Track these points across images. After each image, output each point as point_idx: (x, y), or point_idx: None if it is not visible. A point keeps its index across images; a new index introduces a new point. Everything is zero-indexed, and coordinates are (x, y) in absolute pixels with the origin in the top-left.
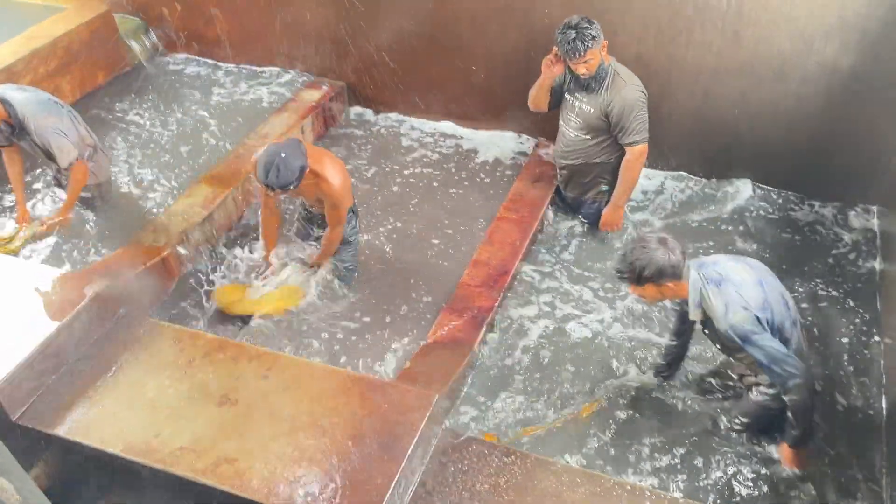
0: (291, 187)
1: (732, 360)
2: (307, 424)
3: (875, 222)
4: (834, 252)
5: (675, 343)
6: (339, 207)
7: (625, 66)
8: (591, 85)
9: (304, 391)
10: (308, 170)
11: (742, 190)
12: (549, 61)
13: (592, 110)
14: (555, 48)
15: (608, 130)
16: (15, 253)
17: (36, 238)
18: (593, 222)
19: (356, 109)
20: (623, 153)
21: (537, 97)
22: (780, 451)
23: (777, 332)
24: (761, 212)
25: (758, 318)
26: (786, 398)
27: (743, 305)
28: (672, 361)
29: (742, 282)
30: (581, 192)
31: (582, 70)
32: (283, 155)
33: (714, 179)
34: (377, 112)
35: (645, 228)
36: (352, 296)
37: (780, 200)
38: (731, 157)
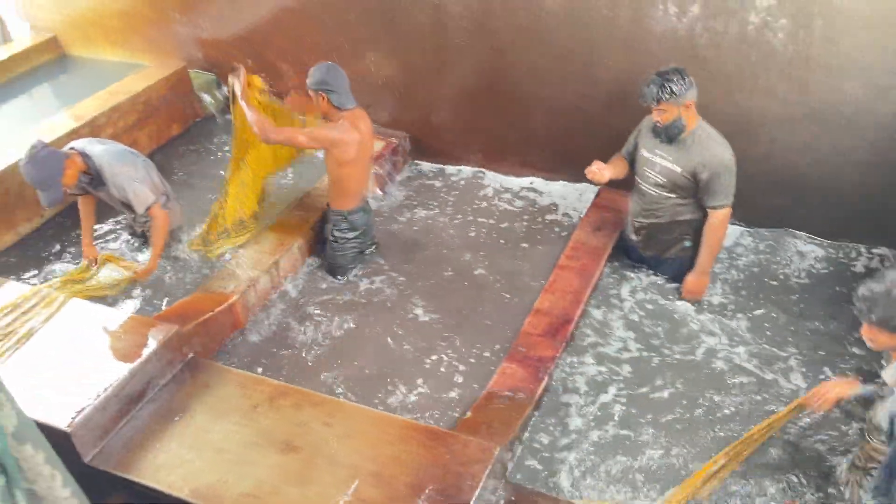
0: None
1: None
2: (368, 473)
3: None
4: None
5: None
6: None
7: (714, 129)
8: (669, 139)
9: (365, 439)
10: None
11: (811, 242)
12: (591, 172)
13: (680, 170)
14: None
15: (694, 192)
16: (101, 295)
17: (126, 282)
18: (674, 278)
19: (417, 161)
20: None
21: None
22: None
23: None
24: (833, 266)
25: None
26: None
27: None
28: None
29: None
30: (662, 250)
31: (656, 117)
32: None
33: (783, 231)
34: (437, 163)
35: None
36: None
37: (853, 254)
38: (802, 208)
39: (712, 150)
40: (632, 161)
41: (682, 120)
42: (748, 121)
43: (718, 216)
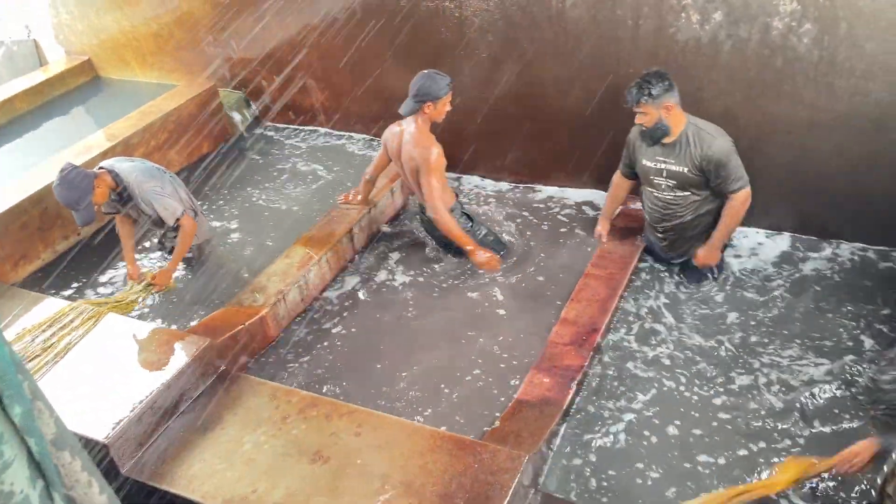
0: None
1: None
2: (398, 483)
3: None
4: None
5: None
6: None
7: (704, 120)
8: (655, 141)
9: (395, 449)
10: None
11: (844, 247)
12: (598, 234)
13: (685, 168)
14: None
15: (707, 184)
16: (129, 310)
17: (148, 294)
18: (708, 274)
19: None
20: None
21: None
22: None
23: None
24: (868, 270)
25: None
26: None
27: None
28: None
29: None
30: (689, 245)
31: (638, 119)
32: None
33: (814, 238)
34: (461, 173)
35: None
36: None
37: (887, 257)
38: (830, 214)
39: (708, 143)
40: (634, 174)
41: (664, 122)
42: (775, 128)
43: (739, 198)
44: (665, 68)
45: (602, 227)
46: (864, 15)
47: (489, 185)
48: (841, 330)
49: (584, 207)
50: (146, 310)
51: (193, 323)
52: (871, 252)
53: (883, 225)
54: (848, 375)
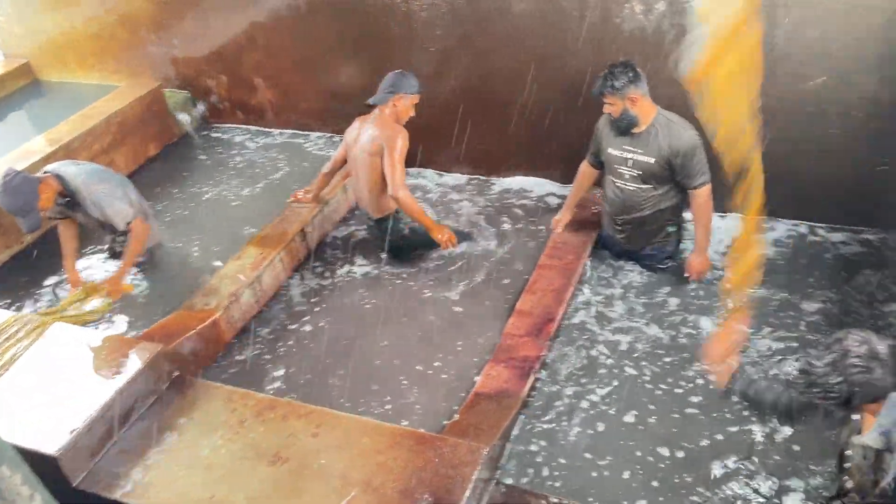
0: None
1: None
2: (358, 481)
3: None
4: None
5: None
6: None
7: (674, 113)
8: (622, 132)
9: (354, 447)
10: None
11: (795, 228)
12: (556, 222)
13: (653, 160)
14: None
15: (670, 178)
16: (90, 321)
17: (109, 308)
18: (660, 263)
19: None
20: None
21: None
22: None
23: None
24: (815, 248)
25: None
26: None
27: None
28: None
29: None
30: (647, 240)
31: (606, 109)
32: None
33: (765, 219)
34: (418, 167)
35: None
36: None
37: (834, 235)
38: (780, 196)
39: (678, 135)
40: (601, 163)
41: (629, 112)
42: None
43: (703, 194)
44: (610, 58)
45: (563, 217)
46: (802, 2)
47: (447, 178)
48: (782, 311)
49: (538, 198)
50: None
51: (145, 329)
52: (819, 229)
53: (828, 205)
54: (806, 343)
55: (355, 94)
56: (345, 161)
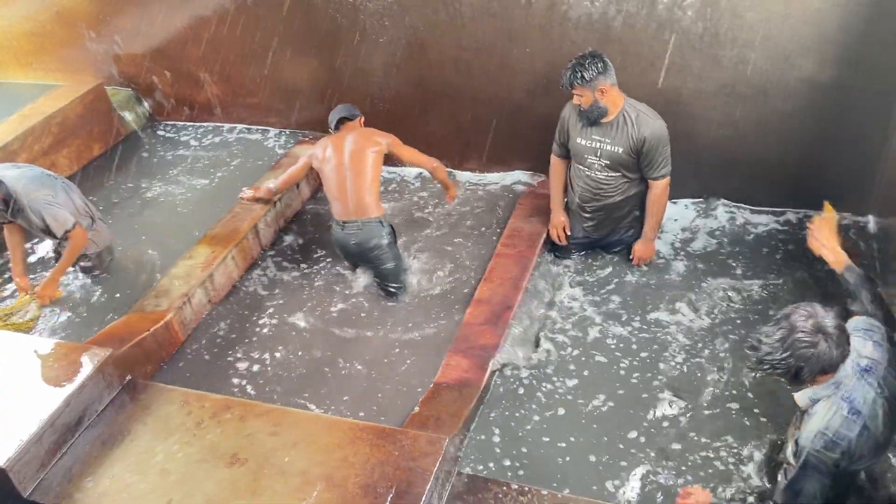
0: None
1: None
2: (319, 477)
3: (872, 230)
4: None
5: None
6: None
7: (642, 103)
8: (591, 122)
9: (313, 445)
10: None
11: (738, 210)
12: (561, 224)
13: (620, 149)
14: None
15: (638, 167)
16: (29, 329)
17: (40, 312)
18: (627, 247)
19: None
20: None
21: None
22: None
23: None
24: (759, 229)
25: (836, 464)
26: None
27: (840, 444)
28: None
29: (872, 416)
30: (614, 226)
31: (575, 101)
32: None
33: (709, 201)
34: None
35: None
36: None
37: (778, 216)
38: (724, 179)
39: (646, 124)
40: (568, 152)
41: (599, 103)
42: (667, 99)
43: (661, 186)
44: (558, 47)
45: (561, 216)
46: None
47: (405, 171)
48: (720, 291)
49: (496, 188)
50: (46, 325)
51: (96, 332)
52: (763, 210)
53: (772, 186)
54: (747, 322)
55: (304, 88)
56: (299, 178)
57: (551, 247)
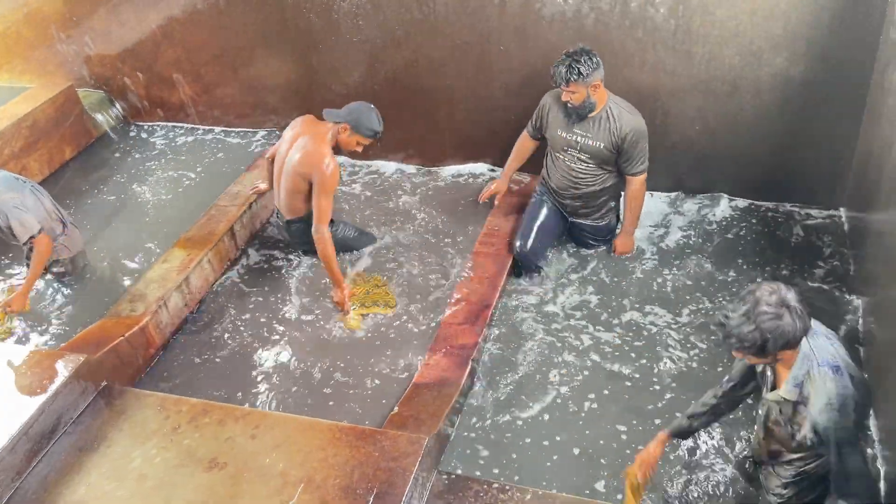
0: None
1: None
2: (299, 480)
3: (844, 224)
4: (811, 257)
5: (714, 403)
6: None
7: (622, 98)
8: (580, 118)
9: (293, 447)
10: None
11: (713, 204)
12: (492, 191)
13: (601, 144)
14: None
15: (616, 162)
16: (1, 340)
17: (11, 322)
18: (605, 240)
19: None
20: None
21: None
22: None
23: None
24: (734, 223)
25: (857, 422)
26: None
27: (848, 403)
28: (700, 425)
29: (847, 363)
30: (591, 212)
31: (566, 97)
32: None
33: (685, 196)
34: (350, 158)
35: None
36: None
37: (752, 210)
38: (698, 174)
39: (627, 121)
40: (542, 137)
41: (590, 99)
42: (641, 96)
43: (639, 181)
44: (534, 45)
45: (497, 186)
46: None
47: (385, 168)
48: (703, 281)
49: (475, 185)
50: (19, 332)
51: (70, 338)
52: (740, 203)
53: (746, 180)
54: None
55: (279, 88)
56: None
57: (517, 273)
